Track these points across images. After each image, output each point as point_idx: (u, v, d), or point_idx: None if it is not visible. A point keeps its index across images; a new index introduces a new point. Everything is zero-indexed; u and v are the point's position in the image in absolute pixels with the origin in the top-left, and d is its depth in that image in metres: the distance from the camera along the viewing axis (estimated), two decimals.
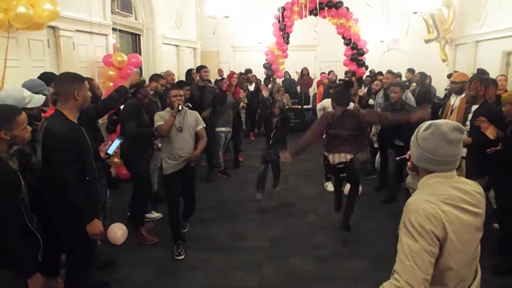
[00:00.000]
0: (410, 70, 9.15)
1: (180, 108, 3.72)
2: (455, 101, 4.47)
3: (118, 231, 4.12)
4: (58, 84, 2.58)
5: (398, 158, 1.74)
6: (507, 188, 3.40)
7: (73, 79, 2.54)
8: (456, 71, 7.19)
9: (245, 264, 3.74)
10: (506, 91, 5.37)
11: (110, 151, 2.83)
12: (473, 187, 1.53)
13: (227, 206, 5.24)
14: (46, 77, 3.60)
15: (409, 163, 1.67)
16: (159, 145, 4.89)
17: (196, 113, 4.05)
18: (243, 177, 6.57)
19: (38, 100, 2.73)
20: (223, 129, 6.37)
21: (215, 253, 3.95)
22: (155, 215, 4.76)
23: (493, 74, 6.15)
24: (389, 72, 6.37)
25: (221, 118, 6.30)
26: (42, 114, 2.91)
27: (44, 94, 2.91)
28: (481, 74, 6.20)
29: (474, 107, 3.85)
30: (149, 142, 4.45)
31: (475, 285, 1.53)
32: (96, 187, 2.66)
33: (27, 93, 2.70)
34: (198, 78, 6.50)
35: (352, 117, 4.06)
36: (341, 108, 4.12)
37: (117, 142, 2.89)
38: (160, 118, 3.80)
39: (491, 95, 3.91)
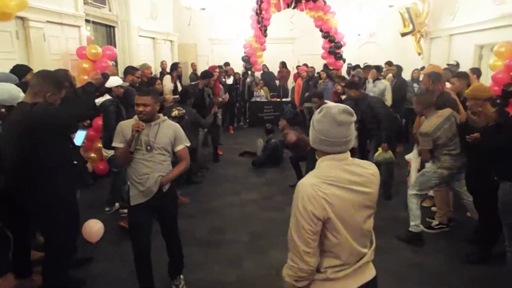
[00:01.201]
0: (389, 63, 9.21)
1: (137, 134, 2.71)
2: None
3: (94, 227, 4.01)
4: (36, 77, 2.54)
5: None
6: (480, 178, 3.49)
7: (53, 82, 2.51)
8: (431, 64, 7.34)
9: (225, 258, 3.72)
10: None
11: (78, 142, 2.78)
12: (366, 169, 1.65)
13: (206, 200, 5.20)
14: (19, 70, 3.48)
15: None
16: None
17: (178, 126, 3.01)
18: (223, 171, 6.54)
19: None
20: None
21: (195, 247, 3.91)
22: None
23: (466, 67, 6.30)
24: (365, 67, 6.54)
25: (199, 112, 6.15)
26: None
27: None
28: (452, 66, 6.38)
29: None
30: None
31: (368, 256, 1.67)
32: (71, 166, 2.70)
33: (22, 94, 2.71)
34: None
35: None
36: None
37: (82, 133, 2.84)
38: (121, 134, 2.83)
39: (440, 89, 4.20)
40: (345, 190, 1.56)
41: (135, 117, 2.85)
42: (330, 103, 1.70)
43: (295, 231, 1.55)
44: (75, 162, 2.65)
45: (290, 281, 1.60)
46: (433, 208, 4.49)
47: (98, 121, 5.24)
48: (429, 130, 3.64)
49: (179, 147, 2.98)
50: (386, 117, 4.94)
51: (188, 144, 3.06)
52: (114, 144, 2.87)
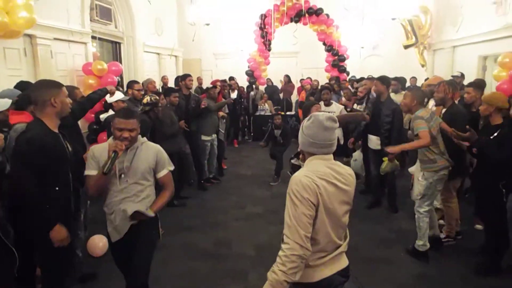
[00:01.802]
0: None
1: (114, 154, 2.34)
2: (432, 105, 4.59)
3: (99, 243, 4.01)
4: (33, 91, 2.54)
5: (293, 155, 2.16)
6: (485, 186, 3.45)
7: (49, 85, 2.50)
8: (434, 76, 7.35)
9: (231, 272, 3.69)
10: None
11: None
12: (346, 170, 1.93)
13: (211, 214, 5.18)
14: (22, 87, 3.53)
15: (300, 156, 2.10)
16: None
17: (159, 148, 2.62)
18: (228, 184, 6.53)
19: (4, 103, 2.77)
20: (208, 138, 6.18)
21: (200, 261, 3.89)
22: None
23: (470, 78, 6.30)
24: (369, 78, 6.49)
25: (206, 126, 6.12)
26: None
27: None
28: (456, 78, 6.36)
29: (443, 110, 4.03)
30: None
31: (343, 247, 1.92)
32: (67, 193, 2.58)
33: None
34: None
35: None
36: None
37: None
38: (93, 160, 2.47)
39: (458, 97, 4.13)
40: (331, 185, 1.81)
41: (110, 140, 2.51)
42: (317, 113, 1.91)
43: (295, 218, 1.73)
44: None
45: (284, 277, 1.70)
46: (441, 221, 4.43)
47: (103, 137, 5.28)
48: (425, 115, 3.61)
49: (161, 173, 2.55)
50: (400, 130, 4.84)
51: (172, 168, 2.66)
52: (86, 173, 2.48)
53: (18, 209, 2.42)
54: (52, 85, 2.50)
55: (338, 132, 5.20)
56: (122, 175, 2.42)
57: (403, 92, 6.81)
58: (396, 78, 7.95)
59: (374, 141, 5.07)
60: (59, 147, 2.46)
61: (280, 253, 1.75)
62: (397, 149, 3.81)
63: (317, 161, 1.85)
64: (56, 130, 2.49)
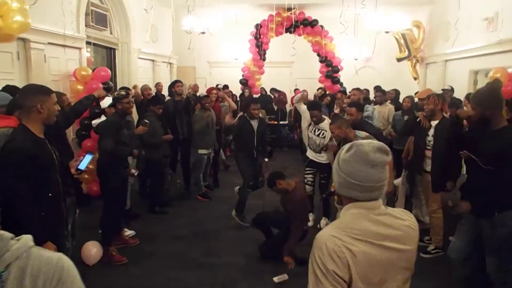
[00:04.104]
0: (377, 88, 8.91)
1: None
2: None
3: (92, 249, 3.97)
4: (20, 96, 2.50)
5: (324, 195, 1.49)
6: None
7: (37, 91, 2.46)
8: (427, 88, 7.43)
9: (220, 282, 3.66)
10: None
11: (82, 166, 2.74)
12: (401, 220, 1.36)
13: (202, 223, 5.15)
14: (9, 91, 3.50)
15: (335, 196, 1.54)
16: (135, 172, 4.82)
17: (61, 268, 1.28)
18: (219, 193, 6.50)
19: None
20: (205, 151, 6.05)
21: (189, 271, 3.85)
22: (127, 232, 4.63)
23: (462, 92, 6.39)
24: (356, 88, 6.45)
25: (204, 139, 5.98)
26: None
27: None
28: (447, 91, 6.44)
29: (434, 123, 4.09)
30: (124, 161, 4.33)
31: None
32: (59, 203, 2.56)
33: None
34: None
35: None
36: None
37: (88, 158, 2.80)
38: None
39: (447, 109, 4.23)
40: (375, 247, 1.27)
41: None
42: (361, 141, 1.41)
43: None
44: (50, 194, 2.48)
45: None
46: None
47: (88, 143, 5.29)
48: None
49: None
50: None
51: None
52: None
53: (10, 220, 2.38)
54: (40, 91, 2.46)
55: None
56: None
57: (387, 104, 6.89)
58: (377, 87, 8.01)
59: None
60: (46, 153, 2.43)
61: None
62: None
63: (356, 211, 1.33)
64: (41, 136, 2.45)
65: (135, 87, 7.01)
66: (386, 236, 1.30)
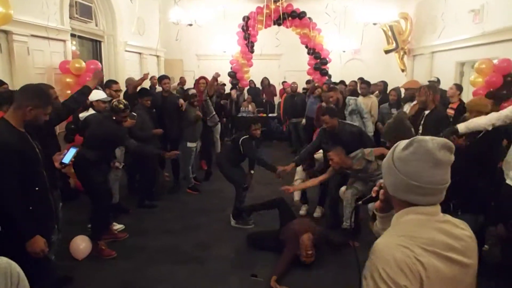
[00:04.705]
0: (361, 80, 8.82)
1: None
2: (408, 109, 4.71)
3: (81, 244, 3.92)
4: (19, 91, 2.46)
5: (360, 202, 1.35)
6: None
7: (35, 95, 2.41)
8: (412, 80, 7.49)
9: (211, 275, 3.66)
10: (460, 100, 5.65)
11: (66, 160, 2.70)
12: (462, 230, 1.19)
13: (192, 216, 5.13)
14: None
15: (377, 203, 1.33)
16: (119, 165, 4.78)
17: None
18: (209, 186, 6.47)
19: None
20: (193, 144, 6.02)
21: (180, 264, 3.84)
22: (116, 226, 4.58)
23: (448, 83, 6.45)
24: (331, 88, 6.16)
25: (191, 133, 5.94)
26: None
27: None
28: (433, 82, 6.53)
29: (426, 113, 4.15)
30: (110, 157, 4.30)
31: None
32: (47, 197, 2.52)
33: None
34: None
35: None
36: None
37: (72, 151, 2.75)
38: None
39: (438, 100, 4.30)
40: (443, 260, 1.09)
41: None
42: (422, 136, 1.19)
43: None
44: (36, 188, 2.44)
45: None
46: None
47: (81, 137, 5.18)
48: None
49: None
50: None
51: None
52: None
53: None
54: (38, 97, 2.42)
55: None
56: None
57: (371, 96, 6.94)
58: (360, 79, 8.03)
59: None
60: (30, 147, 2.39)
61: None
62: None
63: (415, 217, 1.15)
64: (22, 129, 2.40)
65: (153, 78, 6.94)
66: (451, 248, 1.12)
